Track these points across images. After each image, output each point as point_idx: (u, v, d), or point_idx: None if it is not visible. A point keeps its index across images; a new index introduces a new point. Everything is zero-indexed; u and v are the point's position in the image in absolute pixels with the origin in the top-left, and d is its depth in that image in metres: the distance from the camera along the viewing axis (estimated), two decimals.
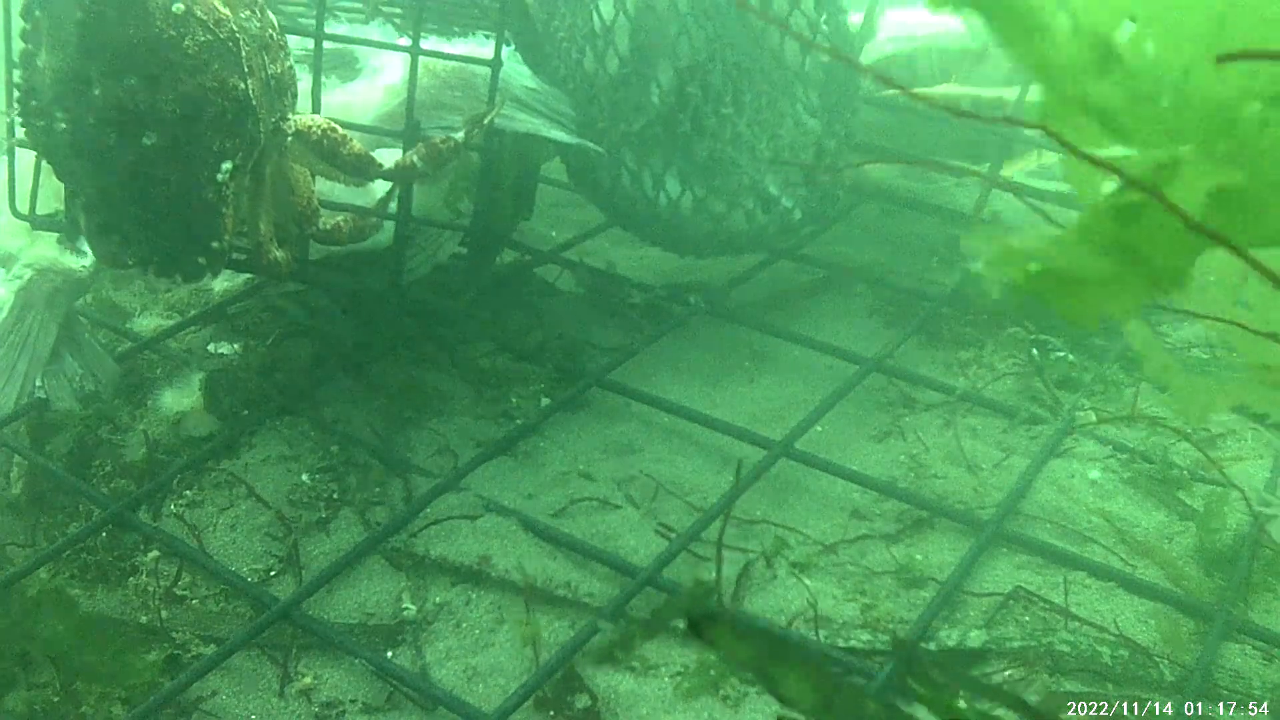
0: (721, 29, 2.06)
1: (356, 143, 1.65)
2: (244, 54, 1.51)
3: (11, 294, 1.96)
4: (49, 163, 1.63)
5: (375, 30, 1.89)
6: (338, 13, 1.95)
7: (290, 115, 1.62)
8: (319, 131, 1.62)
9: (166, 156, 1.52)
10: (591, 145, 1.96)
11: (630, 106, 2.05)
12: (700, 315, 2.23)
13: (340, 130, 1.65)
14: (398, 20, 1.95)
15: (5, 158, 1.89)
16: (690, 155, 2.08)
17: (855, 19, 2.38)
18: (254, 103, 1.53)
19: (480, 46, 1.85)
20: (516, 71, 1.90)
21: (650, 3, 2.02)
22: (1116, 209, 0.98)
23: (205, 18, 1.48)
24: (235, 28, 1.51)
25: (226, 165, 1.53)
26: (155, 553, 1.71)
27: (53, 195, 1.87)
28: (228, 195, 1.56)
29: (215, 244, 1.59)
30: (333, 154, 1.64)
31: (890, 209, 2.59)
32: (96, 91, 1.49)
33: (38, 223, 1.87)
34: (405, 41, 1.76)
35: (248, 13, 1.54)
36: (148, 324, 2.16)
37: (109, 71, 1.48)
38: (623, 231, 2.47)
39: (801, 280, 2.38)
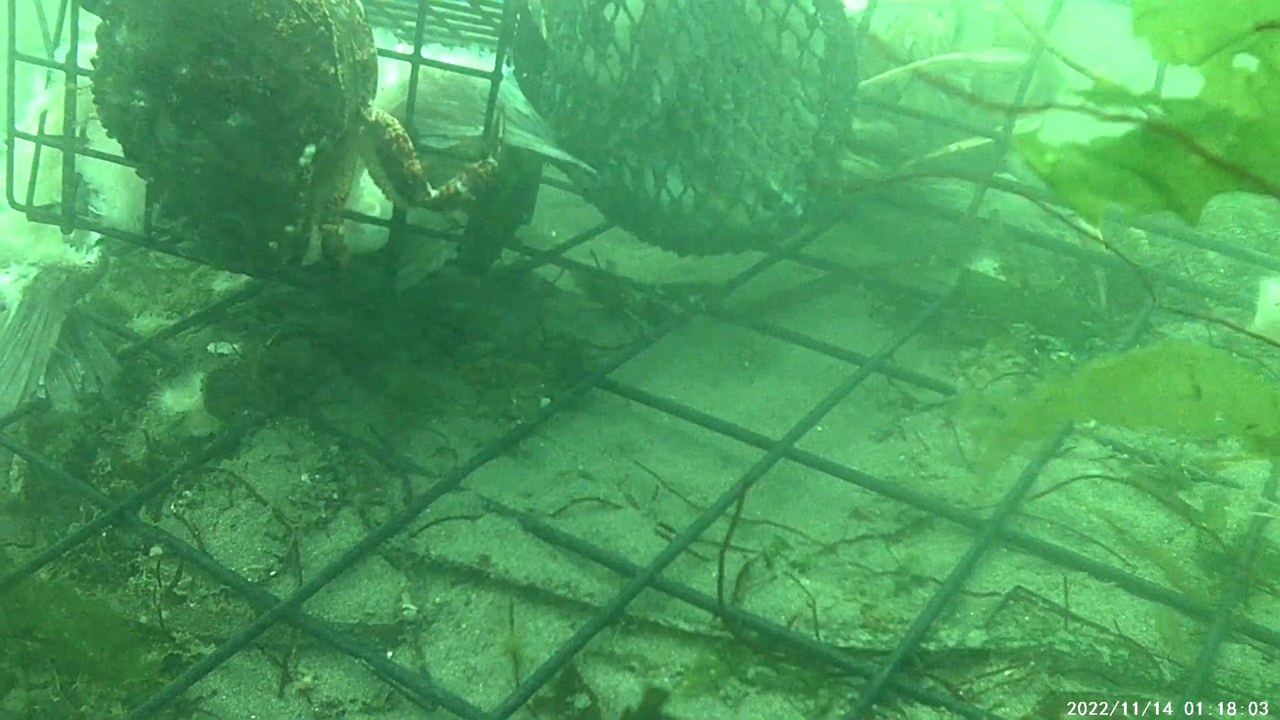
0: (720, 24, 2.06)
1: (418, 163, 1.64)
2: (335, 39, 1.51)
3: (19, 293, 1.96)
4: (120, 142, 1.62)
5: (375, 36, 1.89)
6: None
7: (370, 103, 1.61)
8: (392, 134, 1.61)
9: (251, 138, 1.51)
10: (584, 165, 1.96)
11: (632, 105, 2.05)
12: (700, 315, 2.23)
13: (410, 144, 1.63)
14: (400, 31, 1.95)
15: (5, 148, 1.89)
16: (693, 152, 2.08)
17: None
18: (343, 88, 1.52)
19: (480, 59, 1.84)
20: (511, 94, 1.90)
21: (651, 0, 2.03)
22: (1146, 141, 1.02)
23: (299, 0, 1.48)
24: (327, 12, 1.50)
25: (310, 149, 1.53)
26: (156, 552, 1.71)
27: (51, 187, 1.87)
28: (307, 179, 1.56)
29: (290, 228, 1.59)
30: (395, 161, 1.62)
31: (891, 209, 2.59)
32: (184, 70, 1.49)
33: (34, 214, 1.87)
34: (405, 48, 1.76)
35: None
36: (148, 324, 2.16)
37: (200, 50, 1.48)
38: (623, 231, 2.47)
39: (801, 280, 2.38)
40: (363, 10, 1.59)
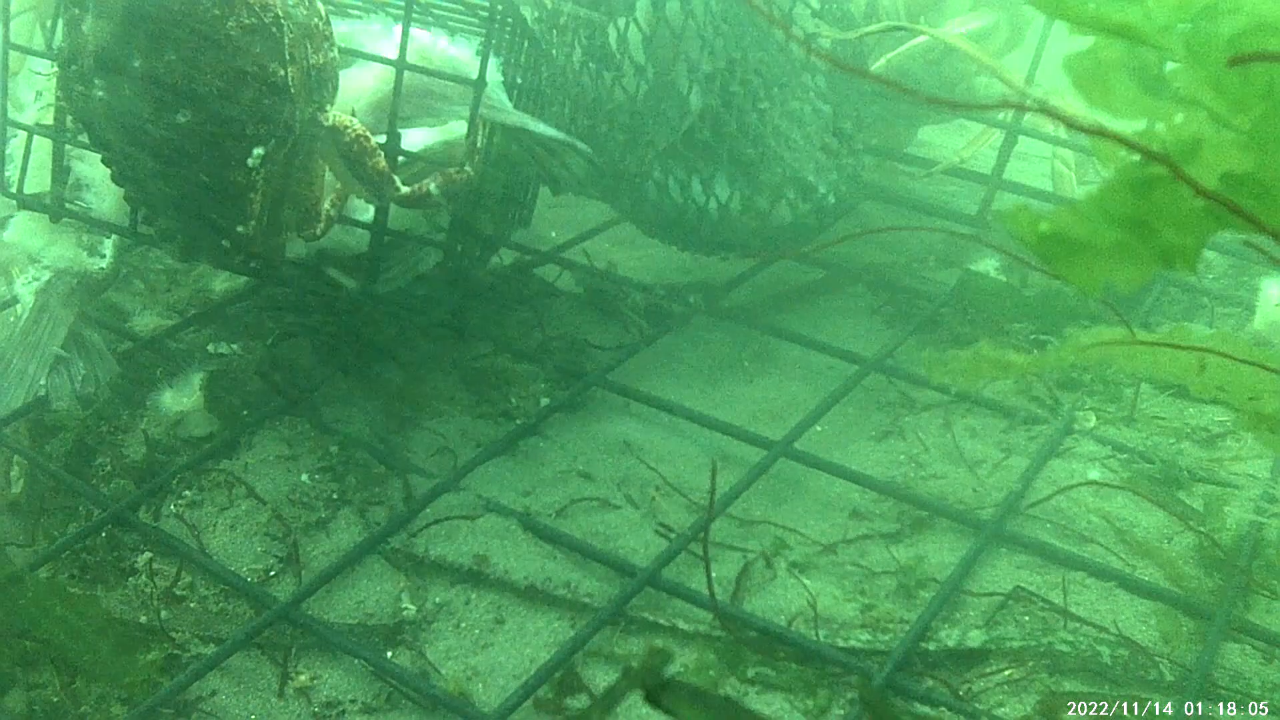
0: (740, 28, 2.08)
1: (383, 159, 1.64)
2: (287, 41, 1.51)
3: (31, 295, 1.97)
4: (84, 128, 1.63)
5: (376, 24, 1.89)
6: (336, 2, 1.95)
7: (328, 108, 1.61)
8: (352, 135, 1.61)
9: (199, 136, 1.52)
10: (580, 145, 1.96)
11: (674, 113, 2.07)
12: (700, 315, 2.23)
13: (372, 141, 1.63)
14: (395, 14, 1.95)
15: None
16: (738, 155, 2.11)
17: None
18: (292, 91, 1.52)
19: (478, 54, 1.84)
20: (498, 99, 1.90)
21: (689, 7, 2.04)
22: (1132, 182, 0.99)
23: (252, 1, 1.48)
24: (281, 13, 1.50)
25: (258, 151, 1.53)
26: (152, 553, 1.71)
27: (44, 180, 1.88)
28: (257, 181, 1.56)
29: (240, 228, 1.59)
30: (359, 162, 1.63)
31: (891, 209, 2.59)
32: (136, 63, 1.50)
33: (24, 201, 1.89)
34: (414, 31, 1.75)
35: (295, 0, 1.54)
36: (148, 324, 2.16)
37: (151, 44, 1.48)
38: (623, 231, 2.48)
39: (801, 280, 2.38)
40: (324, 14, 1.59)
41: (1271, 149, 0.97)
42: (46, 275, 1.99)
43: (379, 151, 1.64)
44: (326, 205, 1.70)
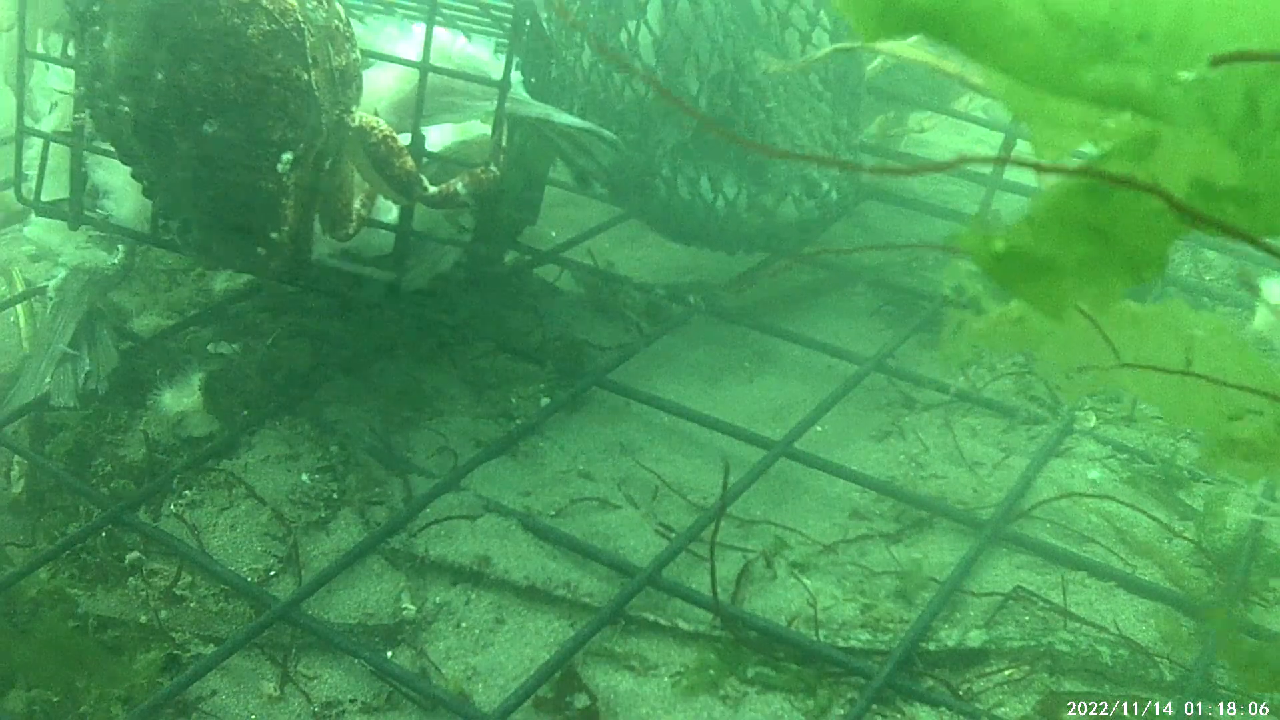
0: (748, 30, 2.09)
1: (410, 159, 1.64)
2: (309, 44, 1.51)
3: (53, 292, 1.99)
4: (113, 145, 1.64)
5: (392, 26, 1.90)
6: (356, 12, 1.96)
7: (354, 109, 1.61)
8: (379, 135, 1.61)
9: (227, 144, 1.52)
10: (606, 132, 1.97)
11: (684, 114, 2.07)
12: (700, 315, 2.23)
13: (399, 142, 1.63)
14: (408, 13, 1.96)
15: (13, 146, 1.90)
16: (746, 154, 2.11)
17: None
18: (316, 94, 1.52)
19: (494, 56, 1.84)
20: (521, 94, 1.90)
21: (699, 10, 2.04)
22: (1088, 187, 0.90)
23: (270, 7, 1.49)
24: (300, 18, 1.50)
25: (287, 156, 1.53)
26: (138, 555, 1.71)
27: (57, 184, 1.88)
28: (288, 186, 1.56)
29: (275, 235, 1.60)
30: (386, 162, 1.63)
31: (891, 208, 2.59)
32: (160, 76, 1.50)
33: (41, 209, 1.89)
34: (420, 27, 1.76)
35: (314, 2, 1.54)
36: (148, 324, 2.16)
37: (173, 57, 1.49)
38: (623, 231, 2.48)
39: (801, 280, 2.38)
40: (344, 15, 1.59)
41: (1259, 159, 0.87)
42: (61, 273, 2.00)
43: (406, 151, 1.64)
44: (357, 205, 1.70)
